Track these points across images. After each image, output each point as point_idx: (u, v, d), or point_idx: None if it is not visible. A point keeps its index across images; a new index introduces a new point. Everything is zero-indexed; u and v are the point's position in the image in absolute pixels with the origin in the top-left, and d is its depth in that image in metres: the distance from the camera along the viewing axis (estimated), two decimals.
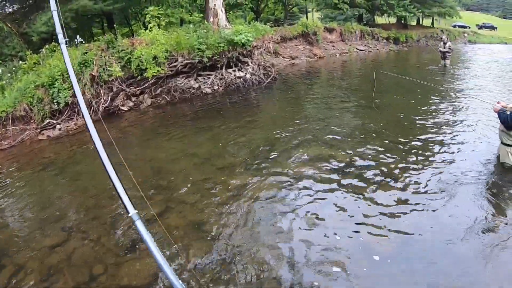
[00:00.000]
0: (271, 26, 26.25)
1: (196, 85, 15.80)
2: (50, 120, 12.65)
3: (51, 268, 5.52)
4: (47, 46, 16.09)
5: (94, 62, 13.53)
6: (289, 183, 7.27)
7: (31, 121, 12.48)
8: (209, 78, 16.30)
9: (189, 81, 15.74)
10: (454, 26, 64.46)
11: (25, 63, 15.16)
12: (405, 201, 6.36)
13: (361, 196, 6.62)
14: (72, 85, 12.30)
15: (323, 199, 6.64)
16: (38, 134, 12.27)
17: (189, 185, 7.57)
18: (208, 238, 5.83)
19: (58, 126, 12.60)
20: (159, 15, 17.70)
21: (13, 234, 6.60)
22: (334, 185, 7.07)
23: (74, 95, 12.69)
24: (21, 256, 5.88)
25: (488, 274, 4.68)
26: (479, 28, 72.09)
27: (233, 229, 5.98)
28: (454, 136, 9.14)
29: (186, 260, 5.35)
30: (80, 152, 10.38)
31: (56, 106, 12.71)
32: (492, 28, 73.70)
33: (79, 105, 2.32)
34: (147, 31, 15.96)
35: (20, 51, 17.74)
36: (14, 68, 15.48)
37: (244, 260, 5.25)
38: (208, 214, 6.48)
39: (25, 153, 11.00)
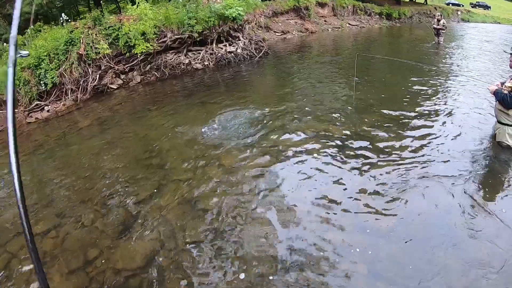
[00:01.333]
0: (262, 0, 25.72)
1: (186, 61, 15.50)
2: (38, 102, 12.41)
3: (45, 254, 5.40)
4: (31, 26, 15.68)
5: (81, 41, 13.17)
6: (282, 158, 7.14)
7: (19, 104, 12.20)
8: (199, 53, 15.98)
9: (179, 57, 15.42)
10: (448, 4, 64.12)
11: None
12: (400, 177, 6.26)
13: (356, 172, 6.51)
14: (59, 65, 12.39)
15: (318, 174, 6.52)
16: (26, 117, 12.04)
17: (182, 162, 7.41)
18: (203, 216, 5.71)
19: (46, 108, 12.37)
20: None
21: (5, 221, 6.45)
22: (329, 160, 6.95)
23: (61, 75, 12.47)
24: (14, 244, 5.76)
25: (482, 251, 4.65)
26: (472, 7, 71.58)
27: (228, 206, 5.86)
28: (448, 114, 8.96)
29: (182, 239, 5.26)
30: (70, 133, 10.17)
31: (43, 87, 12.47)
32: (486, 7, 73.37)
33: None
34: (135, 6, 15.50)
35: (4, 33, 17.27)
36: None
37: (240, 236, 5.17)
38: (201, 191, 6.34)
39: None
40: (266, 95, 11.21)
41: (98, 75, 13.35)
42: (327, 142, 7.63)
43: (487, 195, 5.69)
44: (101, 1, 24.69)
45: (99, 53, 13.29)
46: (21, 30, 15.87)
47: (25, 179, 7.97)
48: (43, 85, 12.41)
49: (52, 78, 12.36)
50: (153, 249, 5.14)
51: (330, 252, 4.71)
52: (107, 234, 5.62)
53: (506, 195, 5.68)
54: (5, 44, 15.49)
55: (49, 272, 5.03)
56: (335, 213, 5.46)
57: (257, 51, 17.58)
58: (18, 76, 12.11)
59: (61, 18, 15.08)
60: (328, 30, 29.60)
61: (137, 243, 5.33)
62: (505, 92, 6.38)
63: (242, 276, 4.50)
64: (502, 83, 6.69)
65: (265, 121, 8.95)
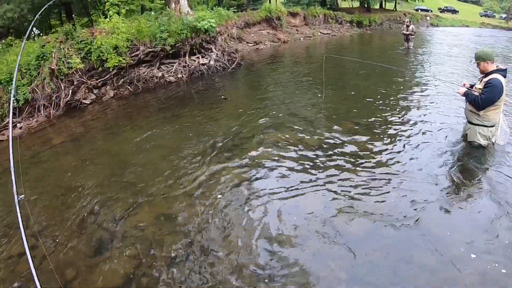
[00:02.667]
0: (234, 12, 25.84)
1: (160, 74, 15.58)
2: None
3: (22, 277, 5.37)
4: (3, 40, 15.54)
5: (53, 55, 13.09)
6: (258, 170, 7.30)
7: None
8: (172, 66, 16.09)
9: (152, 70, 15.49)
10: (417, 10, 65.84)
11: None
12: (374, 182, 6.49)
13: (332, 179, 6.72)
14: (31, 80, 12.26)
15: (294, 184, 6.68)
16: None
17: (157, 177, 7.49)
18: (180, 230, 5.80)
19: (18, 125, 12.15)
20: (119, 3, 17.23)
21: None
22: (305, 169, 7.14)
23: (33, 91, 12.36)
24: None
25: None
26: (441, 12, 73.53)
27: (204, 219, 5.98)
28: (419, 116, 9.33)
29: (159, 254, 5.32)
30: (42, 151, 10.05)
31: (15, 103, 12.15)
32: (454, 11, 75.91)
33: None
34: (107, 19, 15.50)
35: None
36: None
37: (218, 250, 5.26)
38: (178, 206, 6.44)
39: None
40: (239, 107, 11.40)
41: (70, 91, 13.25)
42: (301, 152, 7.84)
43: (462, 193, 6.00)
44: (74, 15, 24.54)
45: (71, 67, 13.19)
46: None
47: None
48: (15, 101, 12.12)
49: (24, 94, 12.18)
50: (132, 267, 5.18)
51: (308, 263, 4.84)
52: (84, 254, 5.64)
53: (480, 191, 6.00)
54: None
55: None
56: (310, 223, 5.62)
57: (230, 63, 17.79)
58: None
59: (33, 32, 14.97)
60: (300, 39, 30.03)
61: (116, 261, 5.37)
62: (476, 93, 6.66)
63: (225, 282, 4.63)
64: (471, 85, 7.01)
65: (239, 133, 9.12)
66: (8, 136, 11.48)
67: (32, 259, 3.69)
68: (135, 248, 5.56)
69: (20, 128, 12.05)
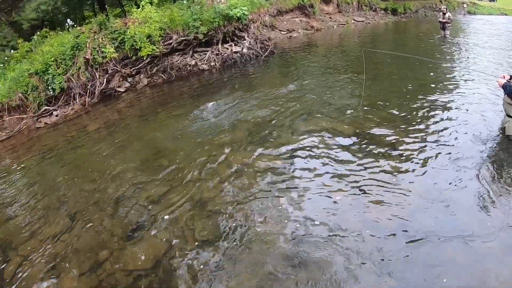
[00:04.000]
0: None
1: (193, 62, 15.49)
2: (47, 107, 12.46)
3: (56, 257, 5.46)
4: (38, 33, 15.77)
5: (87, 45, 13.19)
6: (291, 157, 7.14)
7: (28, 109, 12.26)
8: (205, 54, 15.96)
9: (185, 58, 15.41)
10: None
11: (17, 52, 14.94)
12: (407, 174, 6.25)
13: (362, 168, 6.51)
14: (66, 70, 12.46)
15: (329, 173, 6.50)
16: (35, 122, 12.10)
17: (191, 163, 7.42)
18: (212, 216, 5.74)
19: (55, 113, 12.44)
20: None
21: (17, 225, 6.52)
22: (338, 158, 6.93)
23: (69, 80, 12.52)
24: (26, 247, 5.83)
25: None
26: None
27: (236, 205, 5.89)
28: (456, 108, 8.90)
29: (192, 239, 5.27)
30: (78, 137, 10.22)
31: (51, 92, 12.52)
32: None
33: None
34: (140, 9, 15.49)
35: (11, 40, 17.34)
36: (6, 58, 15.17)
37: (249, 236, 5.18)
38: (211, 192, 6.36)
39: (24, 143, 10.87)
40: (273, 94, 11.15)
41: (105, 79, 13.38)
42: (336, 140, 7.60)
43: (498, 188, 5.66)
44: (106, 5, 24.76)
45: (105, 57, 13.29)
46: (28, 37, 16.00)
47: (35, 182, 8.05)
48: (51, 90, 12.46)
49: (60, 83, 12.41)
50: (163, 250, 5.16)
51: (339, 251, 4.69)
52: (117, 236, 5.66)
53: None
54: (12, 51, 15.56)
55: (60, 274, 5.08)
56: (344, 211, 5.46)
57: (263, 50, 17.50)
58: (26, 82, 12.17)
59: (67, 24, 15.12)
60: (333, 27, 29.39)
61: (147, 244, 5.35)
62: None
63: (251, 275, 4.50)
64: (511, 77, 6.62)
65: (273, 121, 8.93)
66: (45, 123, 11.73)
67: None
68: (167, 231, 5.52)
69: (56, 115, 12.27)
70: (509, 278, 4.07)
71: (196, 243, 5.16)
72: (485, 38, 20.97)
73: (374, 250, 4.63)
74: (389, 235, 4.86)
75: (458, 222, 4.96)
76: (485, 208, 5.21)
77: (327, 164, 6.76)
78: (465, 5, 52.75)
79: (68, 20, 15.36)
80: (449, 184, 5.80)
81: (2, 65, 14.42)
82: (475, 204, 5.31)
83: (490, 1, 69.92)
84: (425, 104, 9.16)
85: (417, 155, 6.76)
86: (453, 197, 5.46)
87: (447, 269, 4.24)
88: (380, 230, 4.97)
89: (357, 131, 7.91)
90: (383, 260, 4.48)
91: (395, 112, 8.77)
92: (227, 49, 16.50)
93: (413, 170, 6.30)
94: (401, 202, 5.51)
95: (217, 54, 16.12)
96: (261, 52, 17.34)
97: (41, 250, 5.67)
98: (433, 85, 10.82)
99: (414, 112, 8.65)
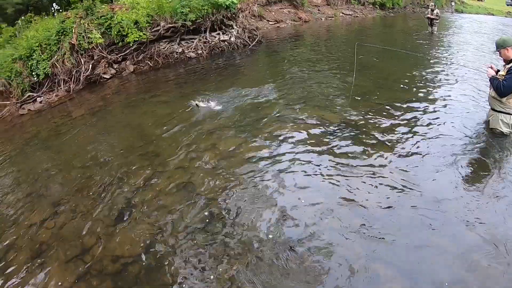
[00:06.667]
0: None
1: (180, 50, 15.34)
2: (30, 93, 12.25)
3: (42, 244, 5.39)
4: (22, 17, 15.48)
5: (73, 30, 12.96)
6: (278, 144, 7.15)
7: (11, 96, 12.07)
8: (192, 42, 15.80)
9: (172, 45, 15.25)
10: None
11: (1, 37, 14.66)
12: (392, 165, 6.25)
13: (349, 157, 6.54)
14: (51, 55, 12.28)
15: (314, 161, 6.50)
16: (18, 109, 11.88)
17: (177, 149, 7.38)
18: (199, 201, 5.70)
19: (38, 99, 12.23)
20: None
21: (1, 212, 6.42)
22: (324, 147, 6.94)
23: (53, 66, 12.33)
24: (10, 234, 5.73)
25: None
26: None
27: (223, 191, 5.87)
28: (442, 101, 8.97)
29: (178, 223, 5.27)
30: (63, 124, 10.05)
31: (35, 78, 12.30)
32: None
33: None
34: None
35: None
36: None
37: (236, 221, 5.18)
38: (197, 177, 6.33)
39: (6, 129, 10.71)
40: (260, 83, 11.11)
41: (90, 65, 13.17)
42: (323, 129, 7.61)
43: (480, 179, 5.76)
44: None
45: (91, 42, 13.07)
46: (12, 21, 15.71)
47: (19, 170, 7.95)
48: (35, 76, 12.23)
49: (44, 68, 12.20)
50: (151, 236, 5.12)
51: (326, 238, 4.70)
52: (104, 222, 5.59)
53: (501, 179, 5.75)
54: None
55: (46, 261, 5.01)
56: (330, 199, 5.46)
57: (251, 40, 17.42)
58: (9, 68, 11.95)
59: (52, 8, 14.88)
60: (321, 19, 29.34)
61: (135, 230, 5.30)
62: (500, 80, 6.44)
63: (239, 261, 4.48)
64: (497, 71, 6.73)
65: (259, 108, 8.93)
66: (28, 110, 11.56)
67: None
68: (154, 217, 5.48)
69: (40, 102, 12.09)
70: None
71: (185, 229, 5.14)
72: (471, 35, 21.17)
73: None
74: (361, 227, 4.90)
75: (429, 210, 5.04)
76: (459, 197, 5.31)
77: (314, 151, 6.77)
78: (453, 3, 52.85)
79: (54, 5, 15.12)
80: (428, 173, 5.88)
81: None
82: (451, 192, 5.40)
83: (478, 1, 70.19)
84: (412, 97, 9.24)
85: (401, 145, 6.85)
86: (428, 188, 5.51)
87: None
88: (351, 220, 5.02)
89: (345, 119, 7.95)
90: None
91: (381, 102, 8.82)
92: (215, 37, 16.37)
93: (397, 160, 6.37)
94: (379, 189, 5.58)
95: (204, 42, 15.98)
96: (249, 42, 17.27)
97: (25, 237, 5.59)
98: (419, 78, 10.91)
99: (400, 104, 8.72)
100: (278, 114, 8.47)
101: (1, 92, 11.97)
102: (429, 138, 7.01)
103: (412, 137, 7.10)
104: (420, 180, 5.70)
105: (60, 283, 4.66)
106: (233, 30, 17.04)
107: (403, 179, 5.74)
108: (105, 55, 13.67)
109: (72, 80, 12.67)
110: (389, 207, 5.17)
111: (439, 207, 5.07)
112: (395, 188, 5.56)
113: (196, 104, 9.27)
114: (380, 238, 4.60)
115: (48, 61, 12.36)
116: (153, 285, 4.40)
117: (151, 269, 4.59)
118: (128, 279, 4.52)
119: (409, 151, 6.57)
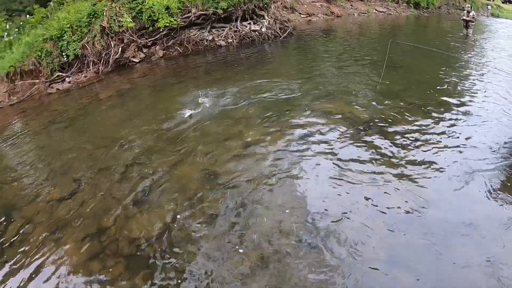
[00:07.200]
0: None
1: (210, 37, 15.20)
2: (59, 73, 12.35)
3: (60, 221, 5.36)
4: None
5: (104, 13, 12.96)
6: (303, 136, 6.91)
7: (40, 75, 12.15)
8: (223, 30, 15.63)
9: (202, 33, 15.12)
10: None
11: (33, 17, 14.75)
12: (423, 164, 5.97)
13: (375, 154, 6.26)
14: (82, 37, 12.32)
15: (339, 155, 6.27)
16: (47, 88, 12.00)
17: (203, 135, 7.24)
18: (222, 188, 5.56)
19: (67, 79, 12.33)
20: None
21: (23, 187, 6.44)
22: (351, 142, 6.67)
23: (83, 47, 12.36)
24: (30, 209, 5.75)
25: None
26: (503, 2, 68.98)
27: (246, 181, 5.70)
28: (475, 103, 8.51)
29: (200, 211, 5.13)
30: (89, 104, 10.11)
31: (65, 58, 12.41)
32: None
33: None
34: None
35: (28, 6, 17.21)
36: (21, 23, 15.06)
37: (257, 211, 5.03)
38: (222, 165, 6.17)
39: (34, 107, 10.82)
40: (289, 75, 10.87)
41: (120, 48, 13.18)
42: (349, 126, 7.28)
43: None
44: None
45: (122, 26, 13.09)
46: (45, 3, 15.81)
47: (44, 146, 7.97)
48: (65, 56, 12.34)
49: (74, 50, 12.28)
50: (170, 220, 5.02)
51: (349, 234, 4.50)
52: (123, 203, 5.52)
53: None
54: (28, 16, 15.42)
55: (63, 238, 4.98)
56: (352, 194, 5.26)
57: (282, 31, 17.10)
58: (40, 47, 12.02)
59: None
60: (354, 14, 28.80)
61: (153, 213, 5.21)
62: None
63: (255, 255, 4.32)
64: None
65: (287, 100, 8.70)
66: (57, 89, 11.62)
67: None
68: (174, 202, 5.37)
69: (69, 82, 12.15)
70: None
71: (203, 216, 5.02)
72: (506, 41, 20.32)
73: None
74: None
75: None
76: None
77: (337, 148, 6.49)
78: (489, 7, 51.53)
79: None
80: (446, 189, 5.44)
81: (17, 30, 14.35)
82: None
83: None
84: (441, 100, 8.70)
85: (430, 147, 6.47)
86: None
87: None
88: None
89: (370, 118, 7.59)
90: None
91: (410, 102, 8.37)
92: (246, 27, 16.14)
93: (425, 161, 6.03)
94: (412, 191, 5.29)
95: (235, 31, 15.79)
96: (279, 33, 16.95)
97: (45, 212, 5.57)
98: (451, 81, 10.35)
99: (428, 106, 8.22)
100: (305, 108, 8.19)
101: (31, 71, 12.02)
102: (453, 147, 6.53)
103: (435, 144, 6.64)
104: (436, 197, 5.28)
105: (74, 260, 4.61)
106: (264, 20, 16.77)
107: (416, 195, 5.31)
108: (135, 39, 13.65)
109: (101, 62, 12.72)
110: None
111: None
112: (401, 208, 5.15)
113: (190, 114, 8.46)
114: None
115: (79, 42, 12.41)
116: (165, 270, 4.29)
117: (165, 254, 4.48)
118: (142, 262, 4.43)
119: (438, 156, 6.19)
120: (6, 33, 14.04)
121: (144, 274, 4.26)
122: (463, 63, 12.72)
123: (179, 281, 4.12)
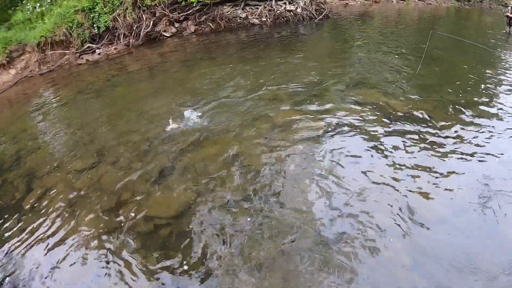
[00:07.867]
0: None
1: (243, 15, 14.83)
2: (90, 45, 12.35)
3: (79, 192, 5.25)
4: None
5: None
6: (333, 123, 6.42)
7: (70, 46, 12.17)
8: (257, 8, 15.20)
9: (236, 10, 14.77)
10: None
11: None
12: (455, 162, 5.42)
13: (408, 148, 5.75)
14: (113, 9, 12.19)
15: (369, 146, 5.80)
16: (77, 59, 12.02)
17: (230, 115, 6.90)
18: (245, 172, 5.27)
19: (97, 51, 12.30)
20: None
21: (45, 156, 6.37)
22: (384, 135, 6.12)
23: (114, 20, 12.23)
24: (50, 178, 5.67)
25: None
26: None
27: (272, 165, 5.39)
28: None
29: (218, 192, 4.90)
30: (118, 75, 10.03)
31: (96, 30, 12.40)
32: None
33: None
34: None
35: None
36: None
37: (280, 199, 4.72)
38: (248, 148, 5.85)
39: (63, 77, 10.84)
40: (322, 59, 10.42)
41: (152, 22, 13.06)
42: (379, 116, 6.72)
43: None
44: None
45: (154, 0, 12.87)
46: None
47: (70, 117, 7.89)
48: (96, 28, 12.33)
49: (105, 22, 12.24)
50: (188, 201, 4.80)
51: (372, 228, 4.16)
52: (143, 180, 5.34)
53: None
54: None
55: (80, 210, 4.89)
56: (381, 188, 4.83)
57: (317, 13, 16.48)
58: (71, 19, 12.00)
59: None
60: (393, 1, 27.90)
61: (173, 192, 5.02)
62: None
63: (273, 245, 4.04)
64: None
65: (318, 85, 8.20)
66: (86, 60, 11.57)
67: None
68: (195, 183, 5.13)
69: (99, 54, 12.11)
70: None
71: (225, 200, 4.75)
72: None
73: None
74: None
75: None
76: None
77: (365, 139, 6.01)
78: None
79: None
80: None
81: (49, 1, 14.27)
82: None
83: None
84: (477, 99, 7.88)
85: (466, 144, 5.85)
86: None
87: None
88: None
89: (401, 109, 6.95)
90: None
91: (443, 98, 7.61)
92: (281, 6, 15.65)
93: (462, 159, 5.46)
94: (444, 192, 4.78)
95: (269, 10, 15.32)
96: (315, 15, 16.34)
97: (65, 183, 5.48)
98: (490, 80, 9.48)
99: (463, 104, 7.30)
100: (336, 94, 7.72)
101: (62, 42, 12.03)
102: (487, 143, 5.87)
103: (474, 138, 6.00)
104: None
105: (89, 233, 4.49)
106: (300, 1, 16.25)
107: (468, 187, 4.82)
108: (167, 13, 13.48)
109: (132, 35, 12.63)
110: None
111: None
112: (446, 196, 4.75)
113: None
114: None
115: (110, 14, 12.33)
116: (180, 251, 4.09)
117: (182, 235, 4.30)
118: (157, 241, 4.28)
119: (473, 155, 5.57)
120: (38, 4, 14.06)
121: (159, 255, 4.07)
122: (504, 63, 11.92)
123: (194, 263, 3.92)
